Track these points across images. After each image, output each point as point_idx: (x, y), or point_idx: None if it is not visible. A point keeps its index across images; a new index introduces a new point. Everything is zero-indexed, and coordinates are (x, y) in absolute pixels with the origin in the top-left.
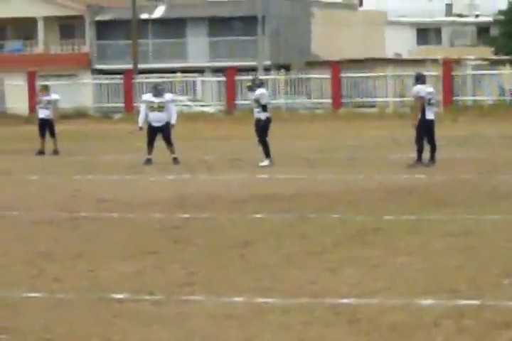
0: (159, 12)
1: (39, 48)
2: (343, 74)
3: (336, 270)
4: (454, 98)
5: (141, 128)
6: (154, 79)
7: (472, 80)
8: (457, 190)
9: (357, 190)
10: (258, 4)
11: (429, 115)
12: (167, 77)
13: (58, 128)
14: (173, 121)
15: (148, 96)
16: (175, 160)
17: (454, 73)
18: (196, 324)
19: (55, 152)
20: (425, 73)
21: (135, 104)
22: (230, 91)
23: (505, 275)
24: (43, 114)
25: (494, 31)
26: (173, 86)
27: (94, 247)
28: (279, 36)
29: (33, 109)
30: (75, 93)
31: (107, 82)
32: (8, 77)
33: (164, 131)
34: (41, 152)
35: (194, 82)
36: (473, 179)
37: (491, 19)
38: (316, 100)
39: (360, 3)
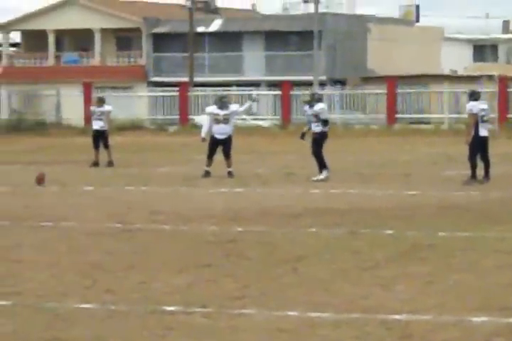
0: (216, 25)
1: (95, 60)
2: (398, 90)
3: (388, 285)
4: (510, 115)
5: (203, 140)
6: (210, 92)
7: None
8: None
9: (410, 206)
10: (315, 19)
11: (483, 132)
12: (222, 91)
13: (114, 139)
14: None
15: (212, 109)
16: (230, 173)
17: (509, 90)
18: (247, 338)
19: (110, 163)
20: (480, 90)
21: (190, 117)
22: (285, 106)
23: None
24: (97, 125)
25: None
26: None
27: (146, 259)
28: (335, 51)
29: (88, 120)
30: (130, 105)
31: (162, 94)
32: (64, 88)
33: (226, 144)
34: (96, 163)
35: (250, 97)
36: None
37: None
38: (371, 115)
39: (417, 19)
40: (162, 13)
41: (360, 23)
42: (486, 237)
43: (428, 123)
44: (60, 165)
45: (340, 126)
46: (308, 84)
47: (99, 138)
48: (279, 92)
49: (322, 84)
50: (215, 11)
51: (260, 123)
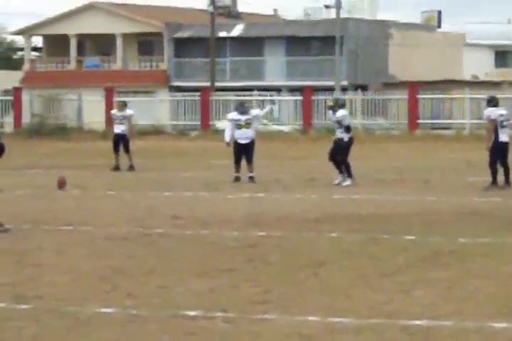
0: (237, 30)
1: (117, 64)
2: (420, 96)
3: (409, 291)
4: None
5: (228, 144)
6: (231, 97)
7: None
8: None
9: (431, 212)
10: (336, 24)
11: (503, 137)
12: (244, 96)
13: (135, 144)
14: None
15: (233, 115)
16: (251, 178)
17: None
18: None
19: (131, 168)
20: (500, 95)
21: (211, 122)
22: (306, 111)
23: None
24: (118, 129)
25: None
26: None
27: (167, 264)
28: (357, 56)
29: (109, 124)
30: (152, 110)
31: (184, 99)
32: (85, 93)
33: (249, 148)
34: (117, 168)
35: (271, 101)
36: None
37: None
38: (392, 121)
39: (439, 25)
40: (184, 18)
41: (381, 29)
42: (507, 243)
43: (449, 128)
44: (81, 169)
45: (361, 131)
46: (330, 89)
47: (120, 142)
48: (300, 97)
49: (344, 90)
50: (237, 16)
51: (281, 128)
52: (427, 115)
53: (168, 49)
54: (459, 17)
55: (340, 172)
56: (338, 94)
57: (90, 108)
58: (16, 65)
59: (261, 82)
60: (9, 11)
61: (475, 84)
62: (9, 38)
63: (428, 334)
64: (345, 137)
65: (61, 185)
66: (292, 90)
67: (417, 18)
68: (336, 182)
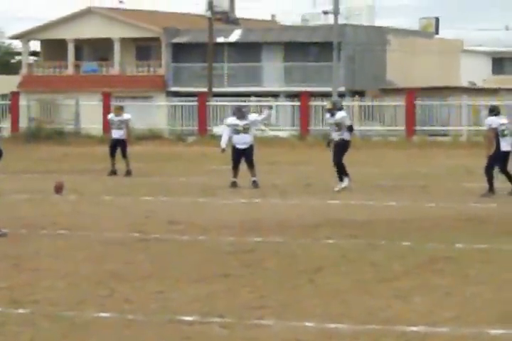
0: (235, 36)
1: (115, 69)
2: (417, 102)
3: (405, 297)
4: None
5: (223, 150)
6: (228, 102)
7: None
8: None
9: (428, 218)
10: (334, 30)
11: (504, 146)
12: (241, 101)
13: (133, 149)
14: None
15: (232, 120)
16: (254, 183)
17: None
18: None
19: (128, 173)
20: (498, 103)
21: (209, 128)
22: (304, 117)
23: None
24: (116, 134)
25: None
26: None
27: (164, 269)
28: (354, 62)
29: (107, 129)
30: (149, 115)
31: (181, 104)
32: (83, 98)
33: (248, 153)
34: (113, 172)
35: (269, 106)
36: None
37: None
38: (389, 127)
39: (437, 32)
40: (182, 23)
41: (379, 35)
42: (504, 250)
43: (446, 135)
44: (79, 174)
45: (358, 137)
46: (327, 95)
47: (117, 146)
48: (297, 103)
49: (341, 96)
50: (235, 22)
51: (278, 133)
52: (425, 121)
53: (165, 54)
54: (457, 24)
55: (341, 179)
56: (334, 98)
57: (88, 113)
58: (13, 69)
59: (258, 87)
60: (7, 15)
61: (472, 90)
62: (7, 42)
63: (425, 340)
64: (347, 136)
65: (58, 189)
66: (290, 96)
67: (415, 25)
68: (336, 189)
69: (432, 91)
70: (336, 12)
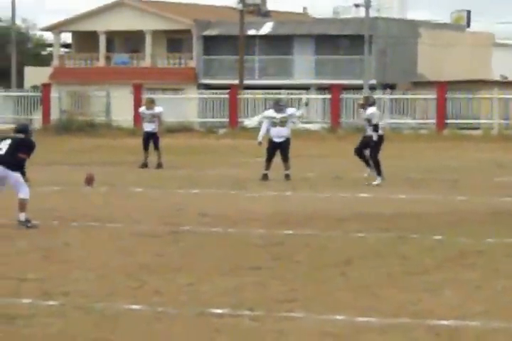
0: (267, 28)
1: (146, 62)
2: (448, 95)
3: (436, 291)
4: None
5: (260, 143)
6: (259, 95)
7: None
8: None
9: (459, 212)
10: (365, 23)
11: None
12: (272, 94)
13: (163, 141)
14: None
15: (270, 113)
16: (287, 176)
17: None
18: None
19: (159, 165)
20: None
21: (239, 120)
22: (335, 109)
23: None
24: (149, 127)
25: None
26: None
27: (194, 261)
28: (386, 56)
29: (138, 121)
30: (180, 107)
31: (212, 96)
32: (114, 90)
33: (284, 146)
34: (145, 165)
35: (299, 100)
36: None
37: None
38: (420, 120)
39: (468, 25)
40: (213, 16)
41: (410, 28)
42: None
43: (477, 128)
44: (109, 166)
45: (389, 130)
46: (358, 88)
47: (150, 139)
48: (328, 96)
49: (372, 89)
50: (266, 14)
51: (309, 126)
52: (456, 115)
53: (197, 46)
54: (489, 17)
55: (368, 165)
56: (366, 93)
57: (119, 105)
58: (45, 61)
59: (289, 80)
60: (39, 7)
61: (503, 84)
62: (38, 33)
63: (455, 334)
64: (374, 136)
65: (89, 181)
66: (320, 89)
67: (446, 18)
68: (366, 175)
69: (463, 84)
70: (367, 5)
